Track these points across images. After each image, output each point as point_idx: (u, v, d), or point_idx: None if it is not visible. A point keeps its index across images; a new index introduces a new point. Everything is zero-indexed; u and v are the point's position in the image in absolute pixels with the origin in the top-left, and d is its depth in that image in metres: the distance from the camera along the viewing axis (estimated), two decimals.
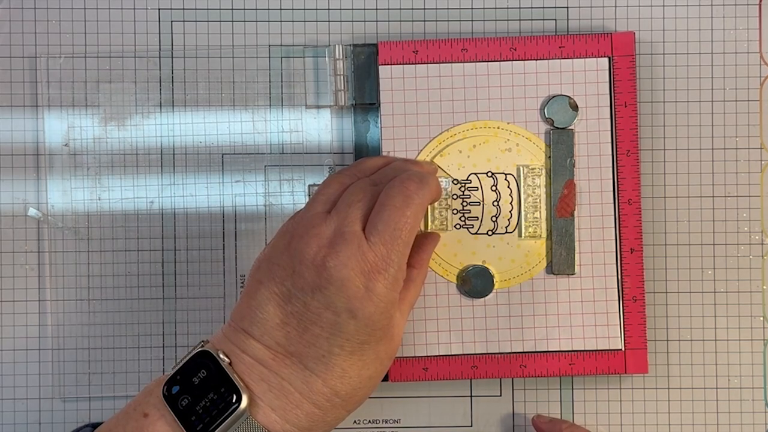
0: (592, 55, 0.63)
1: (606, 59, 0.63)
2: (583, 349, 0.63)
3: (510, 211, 0.63)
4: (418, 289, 0.60)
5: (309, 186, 0.64)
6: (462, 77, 0.63)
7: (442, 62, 0.63)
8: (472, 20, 0.64)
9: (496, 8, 0.64)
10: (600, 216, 0.63)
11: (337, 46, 0.63)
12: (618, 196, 0.63)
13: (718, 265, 0.64)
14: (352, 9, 0.64)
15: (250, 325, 0.54)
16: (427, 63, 0.63)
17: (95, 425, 0.56)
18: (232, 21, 0.64)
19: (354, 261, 0.53)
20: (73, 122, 0.64)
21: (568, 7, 0.64)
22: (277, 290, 0.54)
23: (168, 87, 0.64)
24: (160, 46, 0.64)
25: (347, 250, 0.54)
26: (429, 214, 0.63)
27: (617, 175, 0.63)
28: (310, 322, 0.54)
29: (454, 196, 0.63)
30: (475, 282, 0.63)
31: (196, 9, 0.64)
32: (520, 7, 0.64)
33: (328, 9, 0.64)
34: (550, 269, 0.63)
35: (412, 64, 0.63)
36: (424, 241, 0.61)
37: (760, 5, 0.64)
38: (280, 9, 0.64)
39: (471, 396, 0.65)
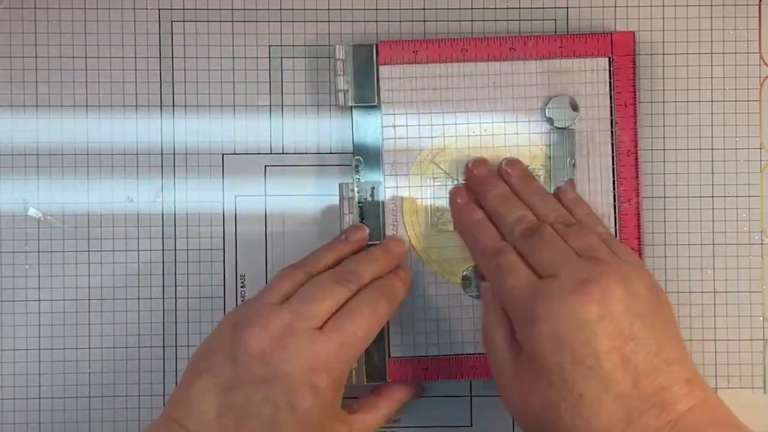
0: (592, 55, 0.63)
1: (606, 59, 0.63)
2: None
3: None
4: (379, 419, 0.60)
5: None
6: (462, 77, 0.63)
7: (442, 62, 0.63)
8: (472, 20, 0.64)
9: (496, 8, 0.64)
10: (600, 216, 0.63)
11: (337, 46, 0.63)
12: (618, 196, 0.63)
13: (718, 265, 0.64)
14: (352, 9, 0.64)
15: (185, 417, 0.53)
16: (427, 63, 0.63)
17: None
18: (232, 21, 0.64)
19: (302, 357, 0.53)
20: (72, 122, 0.64)
21: (568, 7, 0.64)
22: (216, 381, 0.53)
23: (168, 87, 0.64)
24: (160, 46, 0.64)
25: (296, 345, 0.53)
26: (429, 214, 0.63)
27: (617, 175, 0.63)
28: (248, 415, 0.52)
29: None
30: (476, 282, 0.63)
31: (196, 9, 0.64)
32: (520, 7, 0.64)
33: (328, 9, 0.64)
34: None
35: (412, 64, 0.63)
36: (404, 388, 0.62)
37: (760, 5, 0.64)
38: (280, 9, 0.64)
39: (471, 396, 0.65)
